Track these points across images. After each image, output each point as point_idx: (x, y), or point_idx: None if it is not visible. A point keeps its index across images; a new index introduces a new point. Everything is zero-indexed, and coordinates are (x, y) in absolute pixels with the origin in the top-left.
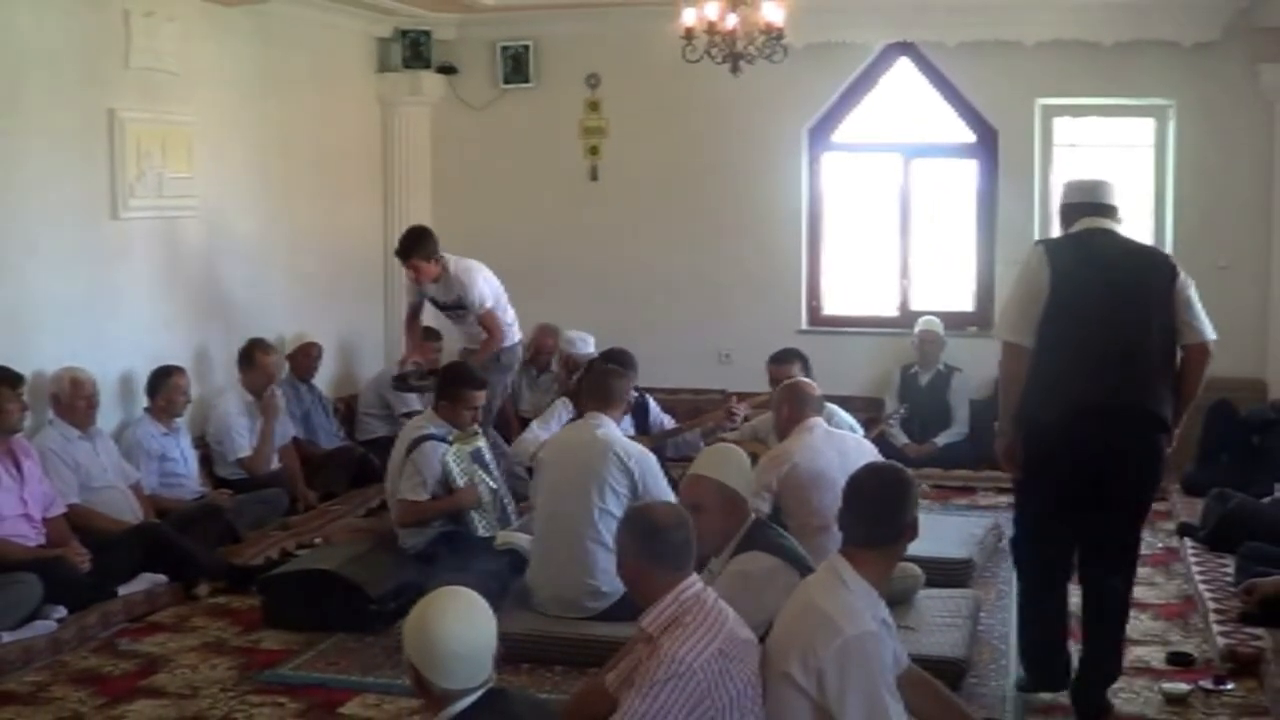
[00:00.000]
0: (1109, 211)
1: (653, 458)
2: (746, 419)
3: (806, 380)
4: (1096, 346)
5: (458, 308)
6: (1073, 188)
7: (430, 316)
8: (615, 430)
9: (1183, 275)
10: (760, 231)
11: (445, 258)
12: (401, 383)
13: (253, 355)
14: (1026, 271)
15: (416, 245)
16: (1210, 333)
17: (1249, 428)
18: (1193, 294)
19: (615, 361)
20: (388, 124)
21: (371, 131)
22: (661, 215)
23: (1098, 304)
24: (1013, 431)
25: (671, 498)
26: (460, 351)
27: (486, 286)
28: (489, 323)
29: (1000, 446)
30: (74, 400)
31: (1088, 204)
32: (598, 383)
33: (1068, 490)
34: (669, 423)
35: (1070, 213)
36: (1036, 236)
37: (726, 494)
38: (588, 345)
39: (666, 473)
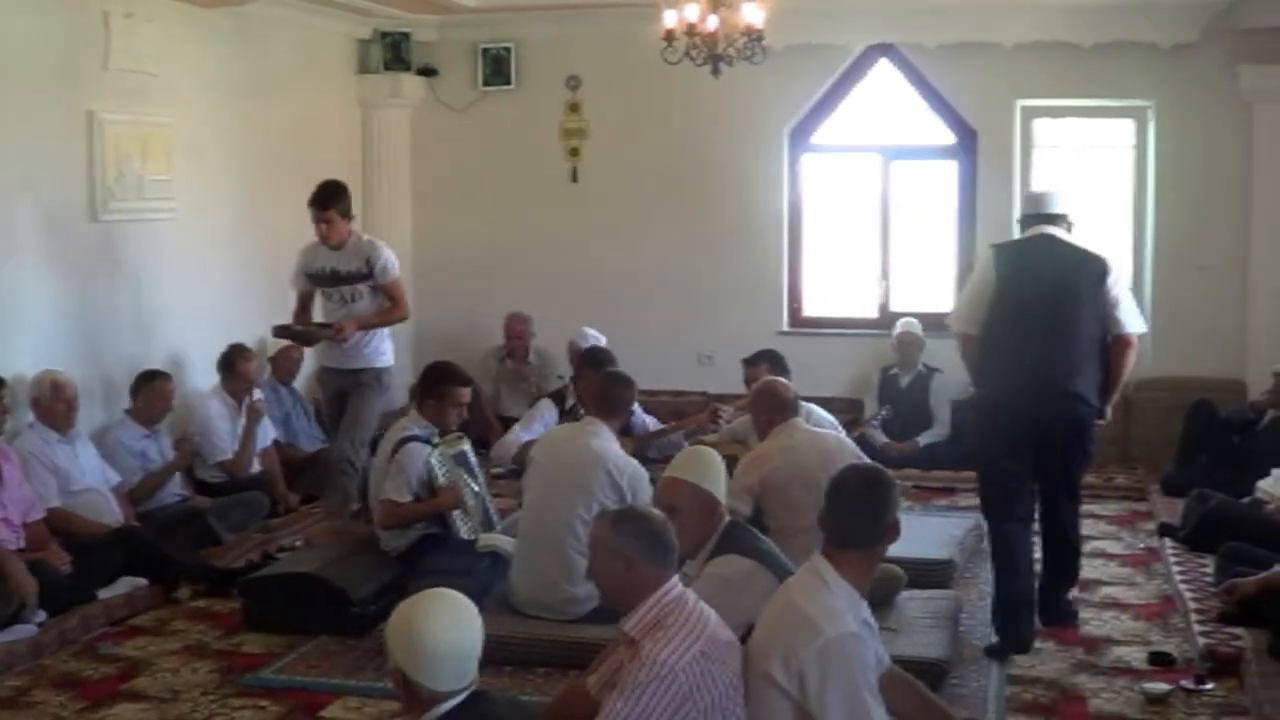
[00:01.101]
0: (1056, 219)
1: (643, 472)
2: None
3: (780, 380)
4: (1030, 334)
5: (357, 279)
6: (1026, 199)
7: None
8: (610, 441)
9: (1113, 276)
10: (741, 233)
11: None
12: (283, 331)
13: (233, 362)
14: (977, 271)
15: (337, 197)
16: (1133, 326)
17: (1229, 428)
18: (1120, 292)
19: (602, 363)
20: (368, 126)
21: (351, 133)
22: (642, 217)
23: (1033, 299)
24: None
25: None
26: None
27: (395, 257)
28: (396, 292)
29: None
30: (54, 403)
31: (1037, 214)
32: (602, 390)
33: (1011, 451)
34: (653, 424)
35: (1025, 221)
36: (1016, 236)
37: (702, 497)
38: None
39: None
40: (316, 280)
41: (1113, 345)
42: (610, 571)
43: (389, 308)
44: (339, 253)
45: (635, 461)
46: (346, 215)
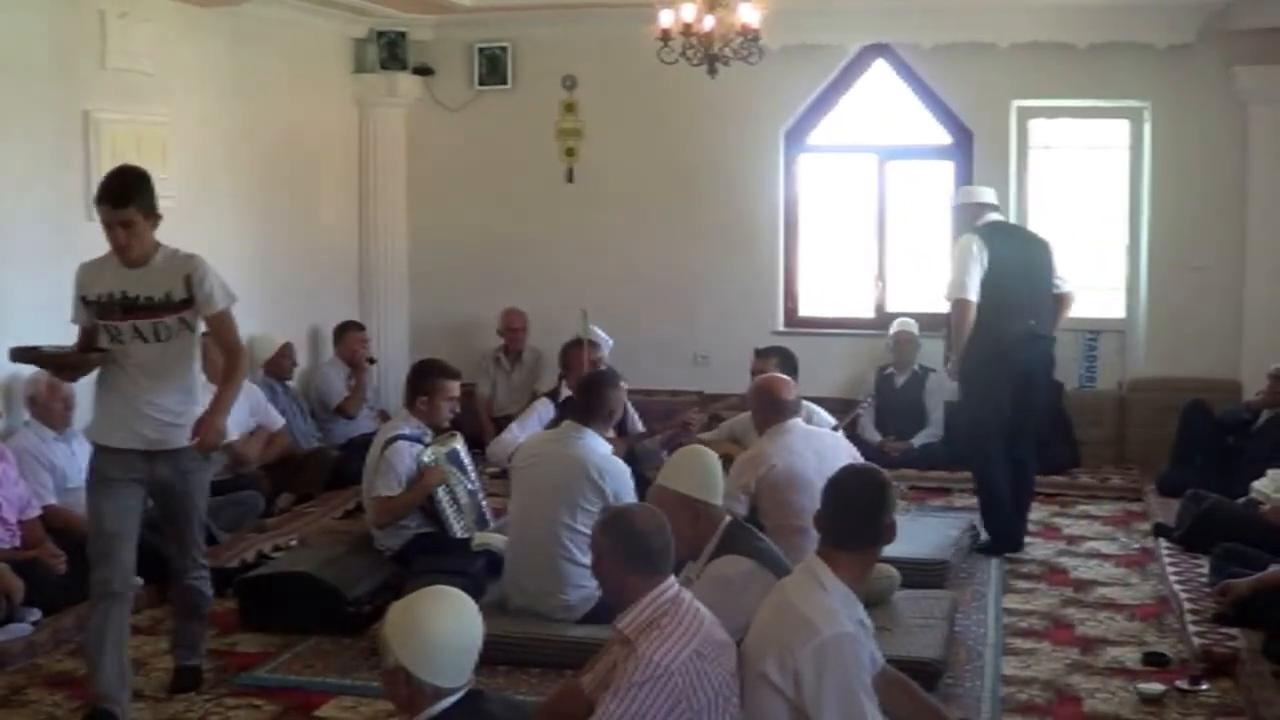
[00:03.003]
0: (998, 208)
1: (627, 473)
2: (709, 422)
3: (781, 378)
4: (1015, 298)
5: (167, 309)
6: (968, 192)
7: None
8: (594, 445)
9: (1053, 253)
10: (736, 233)
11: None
12: (26, 353)
13: None
14: (969, 250)
15: (142, 190)
16: (1069, 287)
17: (1224, 428)
18: (1060, 263)
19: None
20: (363, 125)
21: (347, 132)
22: (638, 217)
23: (1014, 271)
24: (958, 362)
25: None
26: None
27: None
28: (229, 329)
29: (952, 370)
30: (50, 402)
31: (984, 204)
32: (584, 393)
33: (1003, 388)
34: (639, 425)
35: (976, 211)
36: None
37: (686, 504)
38: (607, 346)
39: (639, 476)
40: (101, 311)
41: (1057, 302)
42: (604, 572)
43: (229, 362)
44: (138, 272)
45: (618, 461)
46: (151, 216)
